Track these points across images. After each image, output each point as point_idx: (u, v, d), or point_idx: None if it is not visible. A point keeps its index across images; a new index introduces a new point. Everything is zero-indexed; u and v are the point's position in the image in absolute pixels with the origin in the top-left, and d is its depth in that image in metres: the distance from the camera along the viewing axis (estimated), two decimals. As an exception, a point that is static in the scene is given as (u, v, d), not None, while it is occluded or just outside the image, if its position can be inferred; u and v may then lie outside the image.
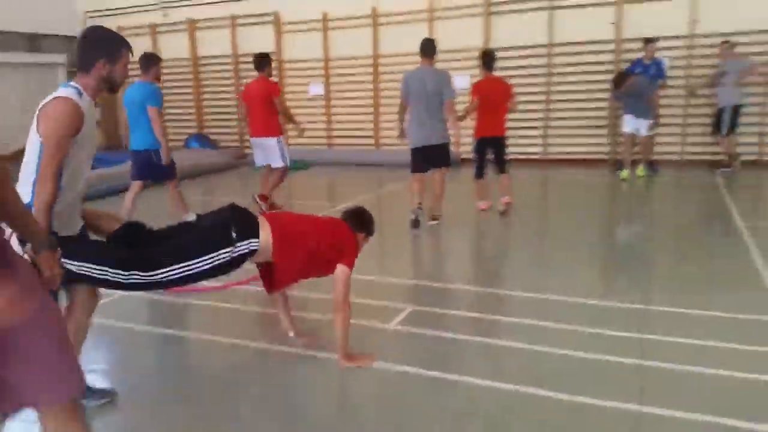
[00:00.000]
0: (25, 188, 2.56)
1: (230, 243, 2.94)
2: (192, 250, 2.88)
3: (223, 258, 2.92)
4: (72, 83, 2.71)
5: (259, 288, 4.53)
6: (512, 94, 7.26)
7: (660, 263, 5.28)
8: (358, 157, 11.80)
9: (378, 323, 3.88)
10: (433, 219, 6.70)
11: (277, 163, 7.51)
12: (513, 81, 10.49)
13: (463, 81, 9.73)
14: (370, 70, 11.86)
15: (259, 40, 12.40)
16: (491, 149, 7.17)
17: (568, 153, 10.82)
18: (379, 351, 3.47)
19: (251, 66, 12.66)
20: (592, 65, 10.42)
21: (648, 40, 9.28)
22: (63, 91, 2.65)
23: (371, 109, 12.03)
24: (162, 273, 2.81)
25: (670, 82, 9.62)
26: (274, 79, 12.50)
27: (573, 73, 10.55)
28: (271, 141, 7.45)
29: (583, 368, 3.25)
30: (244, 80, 12.91)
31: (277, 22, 12.42)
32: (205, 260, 2.89)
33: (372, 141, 12.18)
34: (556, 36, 10.52)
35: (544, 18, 10.52)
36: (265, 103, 7.34)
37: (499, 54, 10.70)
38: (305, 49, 12.21)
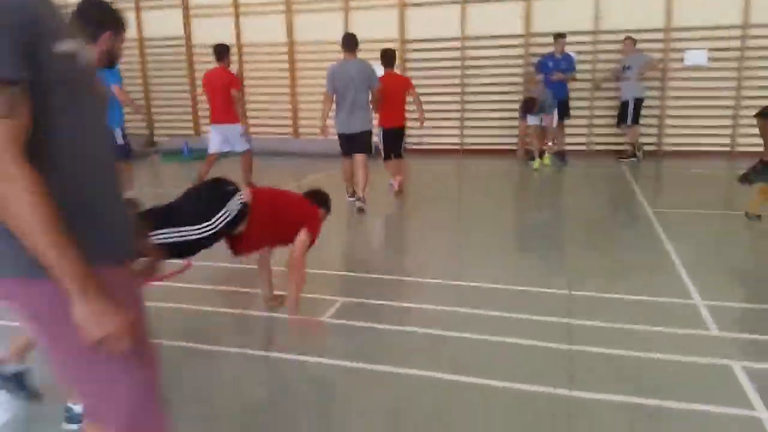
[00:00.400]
0: None
1: (233, 193, 3.13)
2: (212, 206, 3.03)
3: (237, 207, 3.10)
4: None
5: (183, 285, 4.33)
6: (410, 86, 7.67)
7: (578, 249, 5.45)
8: (276, 145, 11.50)
9: (310, 316, 3.77)
10: (357, 207, 6.69)
11: (243, 146, 7.67)
12: (429, 73, 10.70)
13: (379, 71, 9.82)
14: (286, 57, 11.61)
15: (165, 24, 11.85)
16: (392, 136, 7.55)
17: (483, 144, 11.07)
18: (313, 344, 3.39)
19: (157, 51, 12.29)
20: (503, 59, 10.69)
21: (558, 36, 9.63)
22: None
23: (288, 98, 11.79)
24: (211, 223, 2.98)
25: (577, 76, 10.02)
26: (184, 65, 12.16)
27: (485, 66, 10.78)
28: (235, 127, 7.56)
29: (514, 354, 3.29)
30: (151, 65, 12.37)
31: (185, 6, 11.89)
32: (227, 208, 3.05)
33: (290, 130, 11.95)
34: (469, 30, 10.70)
35: (457, 12, 10.67)
36: (226, 92, 7.47)
37: (414, 47, 10.87)
38: (215, 35, 11.72)
